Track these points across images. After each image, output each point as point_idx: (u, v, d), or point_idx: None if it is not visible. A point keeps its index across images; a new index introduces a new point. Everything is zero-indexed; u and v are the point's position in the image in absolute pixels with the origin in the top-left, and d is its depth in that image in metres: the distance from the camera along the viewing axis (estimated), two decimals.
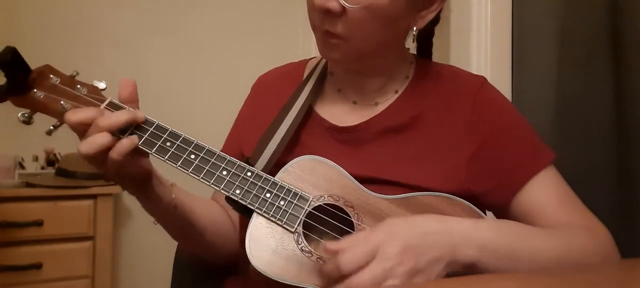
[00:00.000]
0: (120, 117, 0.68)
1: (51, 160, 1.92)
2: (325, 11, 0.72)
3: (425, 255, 0.61)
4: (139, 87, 0.74)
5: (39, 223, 1.67)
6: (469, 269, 0.64)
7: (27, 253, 1.66)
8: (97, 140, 0.66)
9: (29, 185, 1.74)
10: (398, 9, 0.73)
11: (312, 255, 0.68)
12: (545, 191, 0.77)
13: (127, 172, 0.69)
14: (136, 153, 0.69)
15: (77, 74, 0.76)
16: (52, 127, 0.74)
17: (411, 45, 0.85)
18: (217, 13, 2.34)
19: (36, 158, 1.93)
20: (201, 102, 2.26)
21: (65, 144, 0.77)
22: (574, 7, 1.18)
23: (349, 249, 0.61)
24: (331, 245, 0.62)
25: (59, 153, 1.91)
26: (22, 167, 1.91)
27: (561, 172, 0.80)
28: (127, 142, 0.67)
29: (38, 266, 1.67)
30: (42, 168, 1.92)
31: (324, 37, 0.76)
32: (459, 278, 0.63)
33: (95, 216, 1.77)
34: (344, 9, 0.71)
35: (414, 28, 0.78)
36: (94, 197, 1.77)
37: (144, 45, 2.19)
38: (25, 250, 1.67)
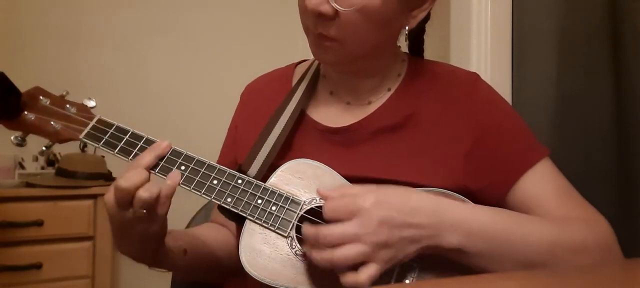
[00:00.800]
0: (150, 157, 0.71)
1: (51, 160, 1.92)
2: (317, 14, 0.72)
3: (400, 232, 0.63)
4: (138, 87, 0.75)
5: (39, 223, 1.67)
6: (457, 254, 0.66)
7: (27, 253, 1.67)
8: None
9: (29, 185, 1.74)
10: (390, 10, 0.73)
11: (307, 258, 0.68)
12: (541, 184, 0.77)
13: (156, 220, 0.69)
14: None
15: (67, 93, 0.78)
16: (44, 148, 0.76)
17: (403, 43, 0.85)
18: (217, 13, 2.34)
19: (36, 159, 1.93)
20: (201, 101, 2.26)
21: (65, 144, 0.78)
22: (574, 7, 1.18)
23: (336, 199, 0.65)
24: (326, 190, 0.66)
25: (59, 153, 1.91)
26: (22, 167, 1.91)
27: (561, 172, 0.80)
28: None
29: (38, 266, 1.67)
30: (42, 168, 1.92)
31: (317, 40, 0.76)
32: (458, 278, 0.63)
33: (95, 216, 1.77)
34: (336, 12, 0.71)
35: (406, 27, 0.79)
36: (94, 197, 1.77)
37: (143, 45, 2.19)
38: (25, 250, 1.67)
